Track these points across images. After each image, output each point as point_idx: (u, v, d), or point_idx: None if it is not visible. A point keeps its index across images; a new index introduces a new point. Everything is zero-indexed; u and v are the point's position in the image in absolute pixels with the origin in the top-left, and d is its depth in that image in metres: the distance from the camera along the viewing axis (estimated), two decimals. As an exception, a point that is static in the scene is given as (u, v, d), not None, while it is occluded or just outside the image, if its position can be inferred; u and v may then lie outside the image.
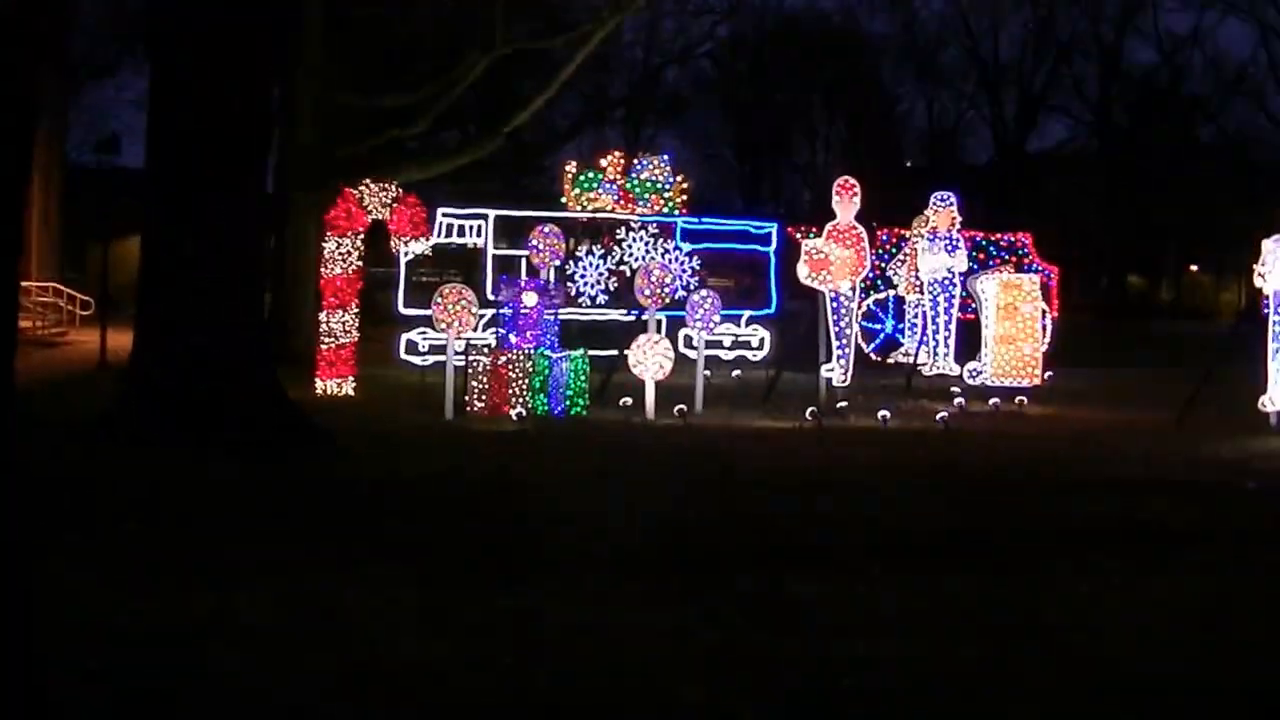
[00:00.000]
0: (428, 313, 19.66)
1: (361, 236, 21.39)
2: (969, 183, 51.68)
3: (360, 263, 21.43)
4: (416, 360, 23.53)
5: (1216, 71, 62.71)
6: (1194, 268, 70.76)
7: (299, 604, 8.02)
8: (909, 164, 64.91)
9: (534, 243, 21.34)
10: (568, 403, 19.01)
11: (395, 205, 21.37)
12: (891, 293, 28.85)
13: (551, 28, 35.58)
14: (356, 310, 21.27)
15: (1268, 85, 60.98)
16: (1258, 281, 19.61)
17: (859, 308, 24.34)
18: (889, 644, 7.45)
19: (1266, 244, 19.47)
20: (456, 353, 19.02)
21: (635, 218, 25.96)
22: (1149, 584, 9.15)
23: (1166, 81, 62.90)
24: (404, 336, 23.72)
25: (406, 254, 22.58)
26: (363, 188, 21.30)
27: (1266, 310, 19.50)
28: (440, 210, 24.81)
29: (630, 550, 9.83)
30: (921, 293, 26.08)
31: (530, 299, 19.67)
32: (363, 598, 8.17)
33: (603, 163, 26.80)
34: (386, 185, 21.58)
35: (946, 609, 8.37)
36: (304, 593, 8.26)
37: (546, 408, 18.83)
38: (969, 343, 25.37)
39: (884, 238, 28.95)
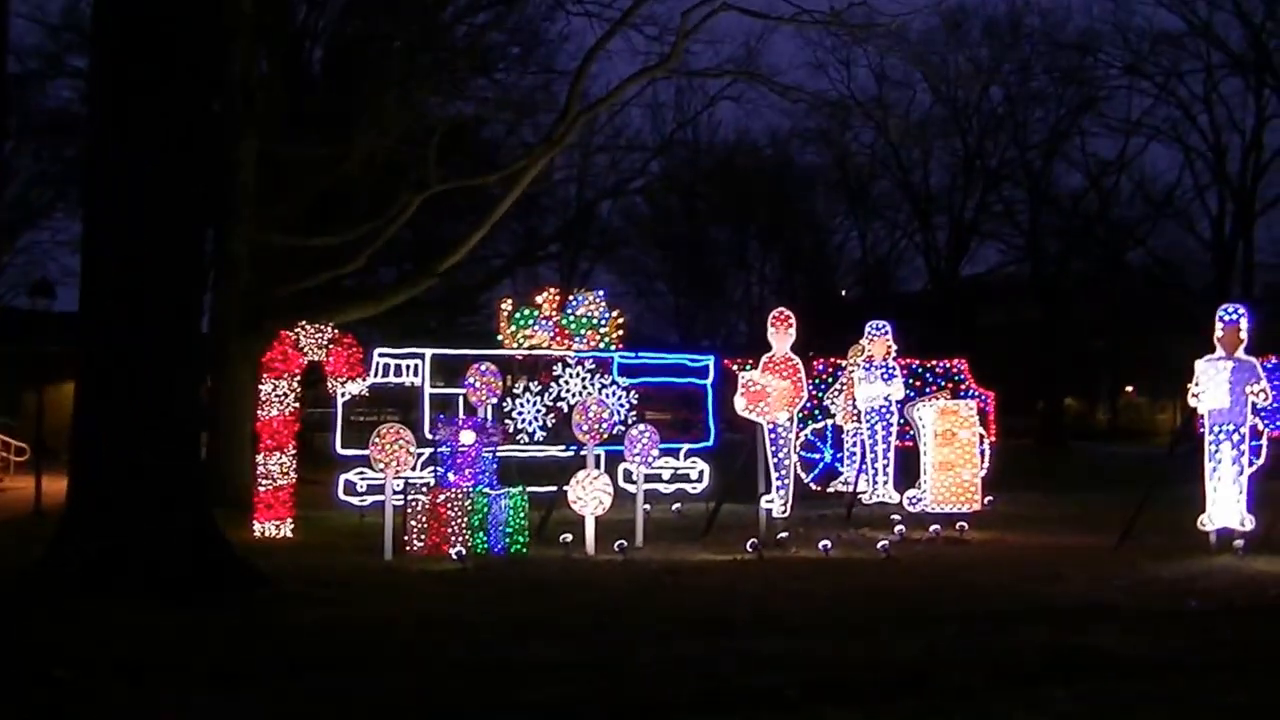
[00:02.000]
0: (365, 453, 19.57)
1: (298, 378, 21.32)
2: (904, 310, 52.08)
3: (297, 404, 21.35)
4: (355, 501, 23.42)
5: (1144, 195, 63.68)
6: (1129, 389, 71.35)
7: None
8: (844, 293, 65.39)
9: (471, 381, 21.30)
10: (507, 540, 18.92)
11: (331, 346, 21.35)
12: (829, 422, 28.92)
13: (484, 166, 35.74)
14: (294, 452, 21.16)
15: (1194, 209, 62.01)
16: (1191, 402, 19.80)
17: (797, 438, 24.37)
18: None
19: (1199, 364, 19.69)
20: (395, 492, 18.92)
21: (571, 354, 25.99)
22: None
23: (1095, 206, 63.69)
24: (342, 477, 23.60)
25: (343, 395, 22.52)
26: (299, 329, 21.27)
27: (1202, 430, 19.71)
28: (376, 351, 24.78)
29: (563, 701, 9.67)
30: (859, 421, 26.14)
31: (468, 437, 19.60)
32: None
33: (538, 299, 26.86)
34: (322, 327, 21.56)
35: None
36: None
37: (486, 546, 18.73)
38: (908, 470, 25.42)
39: (820, 367, 29.08)
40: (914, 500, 24.12)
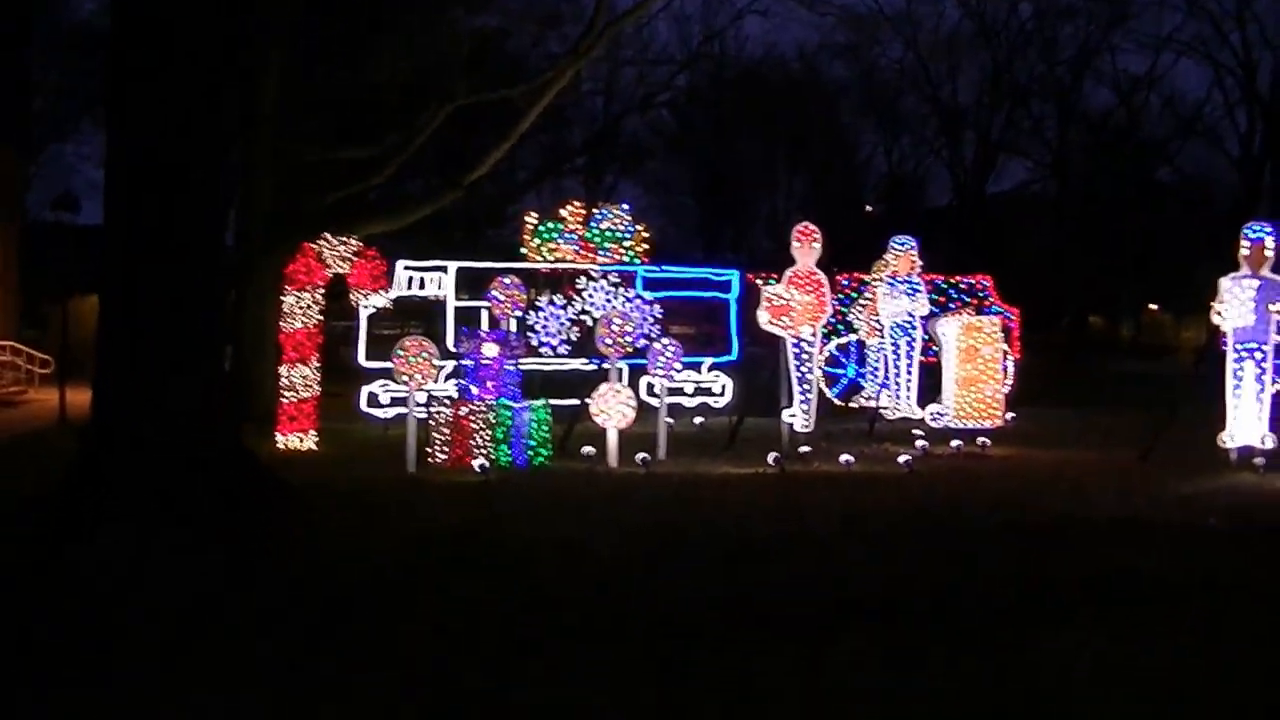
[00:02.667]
0: (389, 366, 19.62)
1: (321, 291, 21.35)
2: (929, 226, 51.89)
3: (320, 317, 21.39)
4: (378, 413, 23.51)
5: (1173, 113, 63.26)
6: (1153, 306, 71.07)
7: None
8: (869, 208, 65.15)
9: (495, 294, 21.31)
10: (530, 453, 19.00)
11: (355, 259, 21.36)
12: (853, 337, 28.92)
13: (511, 77, 35.59)
14: (317, 365, 21.23)
15: (1223, 126, 61.62)
16: (1215, 320, 19.76)
17: (821, 353, 24.41)
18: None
19: (1223, 282, 19.63)
20: (418, 405, 18.99)
21: (596, 267, 26.00)
22: (1129, 650, 9.07)
23: (1124, 123, 63.26)
24: (365, 390, 23.69)
25: (367, 307, 22.57)
26: (321, 242, 21.29)
27: (1225, 348, 19.69)
28: (400, 263, 24.82)
29: (600, 625, 9.69)
30: (883, 337, 26.14)
31: (491, 350, 19.63)
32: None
33: (563, 213, 26.83)
34: (346, 240, 21.57)
35: (920, 687, 8.26)
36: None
37: (509, 459, 18.81)
38: (931, 386, 25.44)
39: (845, 283, 29.05)
40: (937, 415, 24.16)
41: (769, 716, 7.73)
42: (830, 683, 8.24)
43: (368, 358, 24.08)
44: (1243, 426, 19.34)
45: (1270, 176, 59.20)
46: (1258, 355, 19.39)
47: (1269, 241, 19.53)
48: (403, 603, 10.40)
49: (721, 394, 26.51)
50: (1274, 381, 19.78)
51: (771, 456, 19.10)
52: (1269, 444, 19.12)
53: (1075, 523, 14.18)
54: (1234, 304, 19.44)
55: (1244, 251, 19.59)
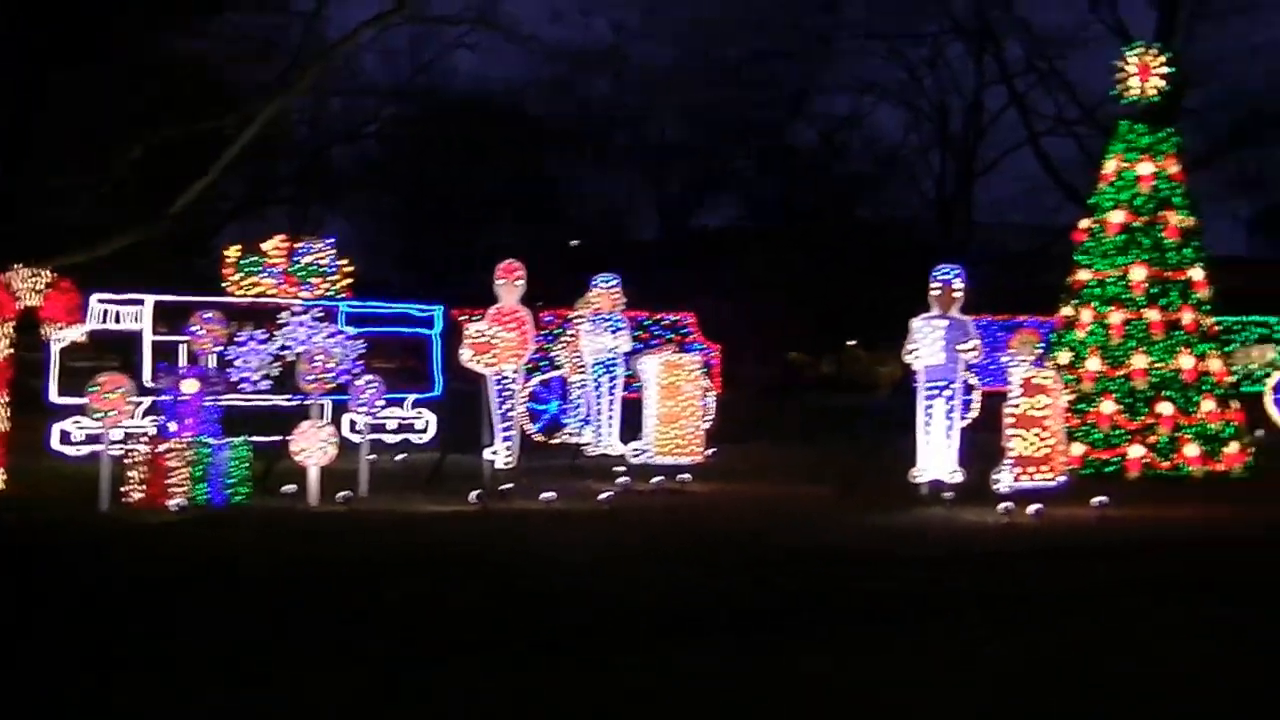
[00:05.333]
0: (83, 401, 19.15)
1: (11, 323, 20.71)
2: (635, 261, 52.48)
3: (11, 350, 20.75)
4: (70, 451, 22.93)
5: (874, 153, 65.15)
6: (853, 343, 72.83)
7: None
8: (576, 243, 65.58)
9: (194, 329, 20.94)
10: (229, 492, 18.73)
11: (48, 291, 20.78)
12: (556, 374, 29.13)
13: (218, 107, 35.03)
14: (7, 400, 20.59)
15: (919, 167, 63.73)
16: (907, 359, 20.43)
17: (523, 389, 24.52)
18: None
19: (914, 323, 20.32)
20: (113, 442, 18.57)
21: (298, 302, 25.75)
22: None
23: (827, 163, 64.92)
24: (57, 426, 23.08)
25: (59, 341, 22.00)
26: (12, 273, 20.67)
27: (916, 385, 20.40)
28: (95, 296, 24.24)
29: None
30: (586, 373, 26.38)
31: (190, 386, 19.31)
32: None
33: (265, 246, 26.52)
34: (39, 271, 20.97)
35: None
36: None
37: (207, 497, 18.51)
38: (633, 422, 25.74)
39: (548, 319, 29.27)
40: (638, 452, 24.45)
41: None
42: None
43: (60, 393, 23.47)
44: (933, 461, 20.01)
45: (962, 216, 61.38)
46: (947, 393, 20.09)
47: (956, 283, 20.27)
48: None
49: (425, 430, 26.51)
50: (962, 418, 20.54)
51: (473, 494, 19.15)
52: (958, 478, 19.79)
53: (768, 552, 14.56)
54: (924, 344, 20.13)
55: (934, 292, 20.30)
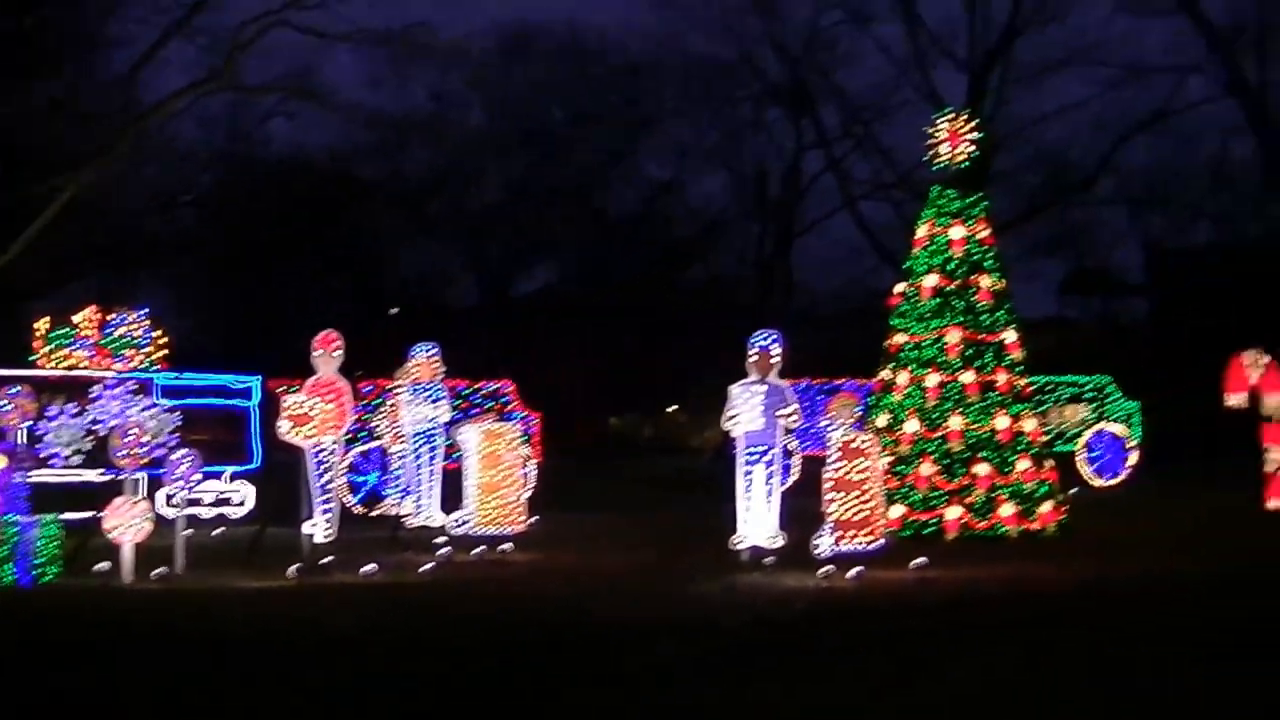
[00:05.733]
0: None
1: None
2: (456, 329, 52.33)
3: None
4: None
5: (694, 218, 65.76)
6: (673, 407, 73.28)
7: None
8: (395, 311, 65.30)
9: (1, 403, 20.44)
10: (38, 572, 18.25)
11: None
12: (375, 444, 28.89)
13: (31, 172, 34.40)
14: None
15: (739, 232, 64.45)
16: (726, 425, 20.52)
17: (343, 461, 24.28)
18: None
19: (733, 389, 20.44)
20: (-86, 523, 18.06)
21: (111, 375, 25.25)
22: None
23: (647, 227, 65.36)
24: None
25: None
26: None
27: (735, 451, 20.51)
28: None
29: None
30: (406, 444, 26.15)
31: (-2, 463, 18.86)
32: None
33: (76, 318, 26.02)
34: None
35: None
36: None
37: (14, 577, 18.03)
38: (453, 492, 25.57)
39: (367, 389, 29.08)
40: (459, 522, 24.26)
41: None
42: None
43: None
44: (754, 527, 20.10)
45: (781, 280, 62.14)
46: (767, 458, 20.22)
47: (774, 348, 20.44)
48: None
49: (242, 504, 26.15)
50: (782, 483, 20.69)
51: (292, 568, 18.89)
52: (779, 543, 19.91)
53: (592, 624, 14.53)
54: (743, 409, 20.26)
55: (752, 358, 20.46)
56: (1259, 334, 32.54)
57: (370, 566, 19.21)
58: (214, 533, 24.83)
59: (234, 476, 26.39)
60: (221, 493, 26.16)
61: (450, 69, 48.52)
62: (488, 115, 63.74)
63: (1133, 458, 38.63)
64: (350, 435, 26.38)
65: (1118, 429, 38.61)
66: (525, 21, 66.47)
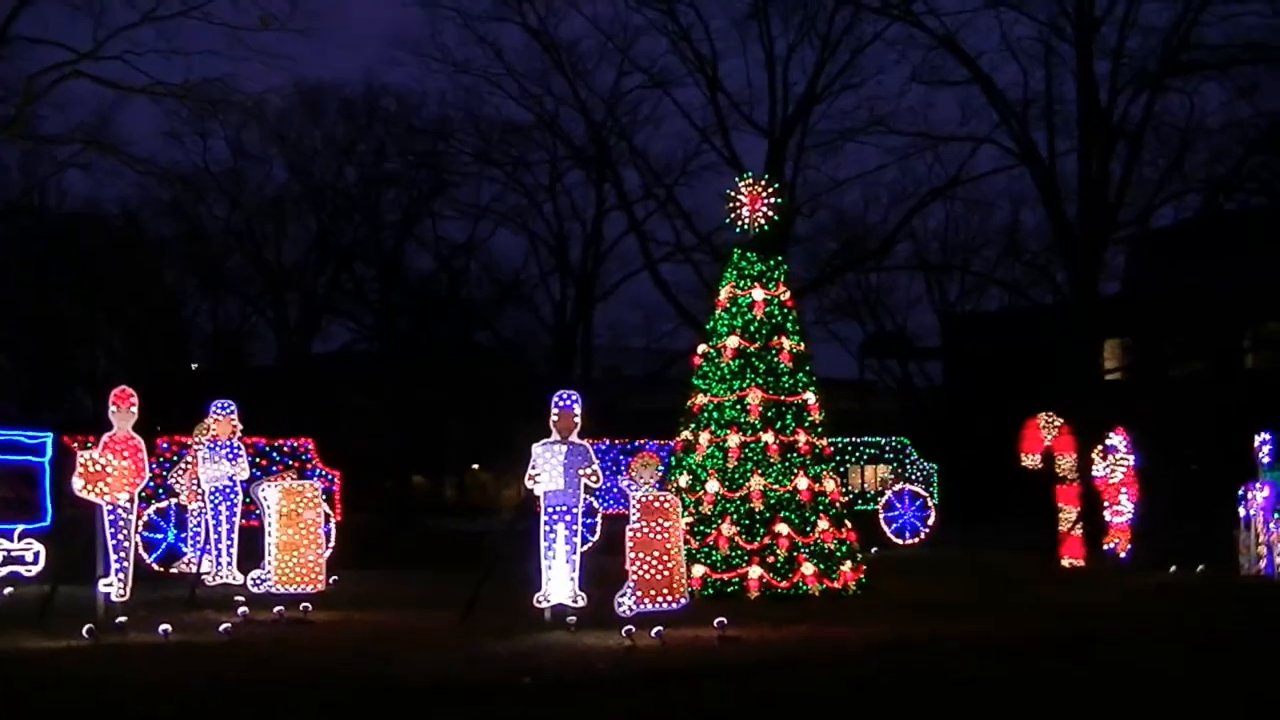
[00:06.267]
0: None
1: None
2: (255, 387, 51.71)
3: None
4: None
5: (491, 279, 65.76)
6: (475, 467, 73.05)
7: None
8: (194, 367, 64.32)
9: None
10: None
11: None
12: (173, 501, 28.42)
13: None
14: None
15: (538, 293, 64.61)
16: (529, 484, 20.51)
17: (139, 518, 23.82)
18: None
19: (535, 448, 20.46)
20: None
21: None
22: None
23: (445, 288, 65.14)
24: None
25: None
26: None
27: (538, 510, 20.50)
28: None
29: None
30: (203, 501, 25.76)
31: None
32: None
33: None
34: None
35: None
36: None
37: None
38: (252, 551, 25.22)
39: (164, 446, 28.61)
40: (258, 581, 23.92)
41: None
42: None
43: None
44: (556, 586, 20.10)
45: (582, 342, 62.31)
46: (568, 518, 20.24)
47: (575, 408, 20.52)
48: None
49: (35, 561, 25.53)
50: (585, 541, 20.73)
51: (86, 628, 18.46)
52: (581, 602, 19.92)
53: (391, 686, 14.41)
54: (545, 469, 20.29)
55: (554, 418, 20.50)
56: (1049, 398, 33.49)
57: (166, 626, 18.82)
58: (4, 592, 24.18)
59: (25, 534, 25.72)
60: (12, 551, 25.50)
61: (248, 125, 48.17)
62: (286, 172, 63.19)
63: (931, 517, 39.42)
64: (147, 492, 25.95)
65: (917, 489, 39.40)
66: (323, 80, 66.20)
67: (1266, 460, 29.12)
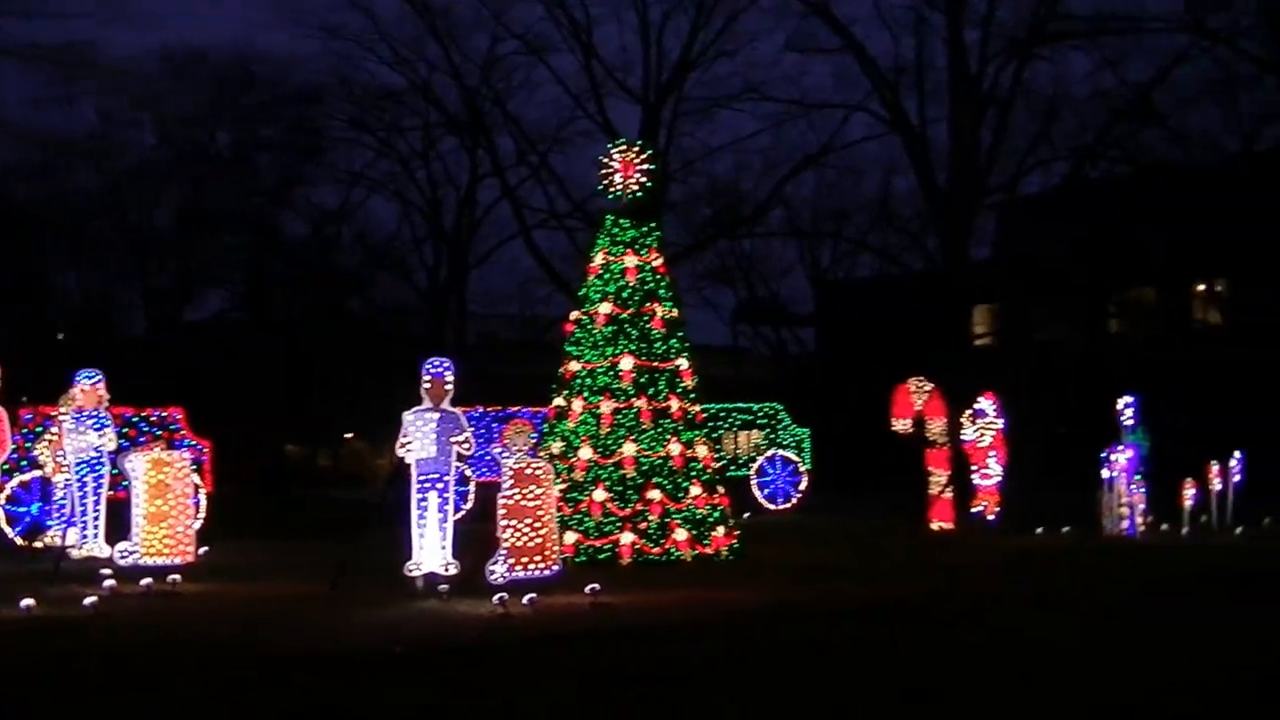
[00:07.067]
0: None
1: None
2: (123, 355, 50.98)
3: None
4: None
5: (364, 245, 65.37)
6: (350, 435, 72.60)
7: None
8: (60, 337, 63.30)
9: None
10: None
11: None
12: (37, 474, 27.96)
13: None
14: None
15: (411, 260, 64.28)
16: (401, 452, 20.45)
17: (2, 491, 23.45)
18: None
19: (406, 416, 20.42)
20: None
21: None
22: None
23: (317, 254, 64.64)
24: None
25: None
26: None
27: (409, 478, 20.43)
28: None
29: None
30: (69, 473, 25.36)
31: None
32: None
33: None
34: None
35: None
36: None
37: None
38: (120, 522, 24.89)
39: (28, 417, 28.15)
40: (125, 553, 23.60)
41: None
42: None
43: None
44: (428, 554, 20.04)
45: (456, 309, 62.13)
46: (440, 485, 20.18)
47: (447, 375, 20.47)
48: None
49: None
50: (458, 509, 20.67)
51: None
52: (453, 570, 19.88)
53: (263, 657, 14.30)
54: (417, 437, 20.21)
55: (425, 385, 20.42)
56: (919, 363, 33.81)
57: (29, 600, 18.50)
58: None
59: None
60: None
61: (117, 89, 47.33)
62: (156, 138, 62.25)
63: (803, 483, 39.73)
64: (10, 465, 25.51)
65: (789, 454, 39.67)
66: (192, 45, 65.35)
67: (1129, 423, 29.72)
